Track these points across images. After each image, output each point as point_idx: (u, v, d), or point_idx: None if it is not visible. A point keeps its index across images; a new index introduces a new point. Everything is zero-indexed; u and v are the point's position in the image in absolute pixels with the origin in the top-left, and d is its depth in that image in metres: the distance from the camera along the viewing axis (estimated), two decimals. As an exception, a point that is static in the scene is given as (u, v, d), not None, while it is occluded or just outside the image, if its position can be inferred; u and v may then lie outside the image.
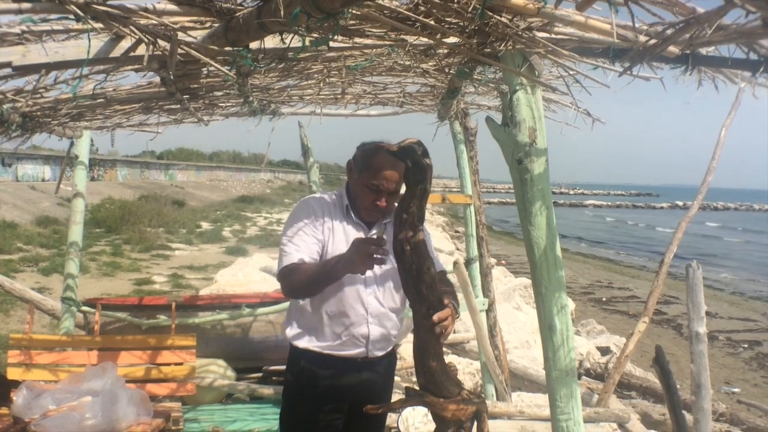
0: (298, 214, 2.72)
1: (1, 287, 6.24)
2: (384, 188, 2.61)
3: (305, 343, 2.73)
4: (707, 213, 76.91)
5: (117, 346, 4.77)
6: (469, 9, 1.65)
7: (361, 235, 2.68)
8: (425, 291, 2.03)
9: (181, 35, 1.77)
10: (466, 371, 6.86)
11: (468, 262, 5.55)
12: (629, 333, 6.20)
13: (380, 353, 2.77)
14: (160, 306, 6.11)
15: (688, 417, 5.09)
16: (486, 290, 5.63)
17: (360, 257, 2.28)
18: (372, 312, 2.69)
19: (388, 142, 2.63)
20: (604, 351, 9.43)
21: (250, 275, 10.51)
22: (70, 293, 5.28)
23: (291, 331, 2.80)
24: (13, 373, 4.48)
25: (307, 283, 2.56)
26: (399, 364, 6.95)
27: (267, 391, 5.52)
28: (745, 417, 7.63)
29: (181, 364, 4.73)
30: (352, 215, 2.74)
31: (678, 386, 5.12)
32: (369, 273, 2.62)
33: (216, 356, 5.93)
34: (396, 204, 2.57)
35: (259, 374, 5.94)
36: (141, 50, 1.81)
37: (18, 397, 3.75)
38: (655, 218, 60.96)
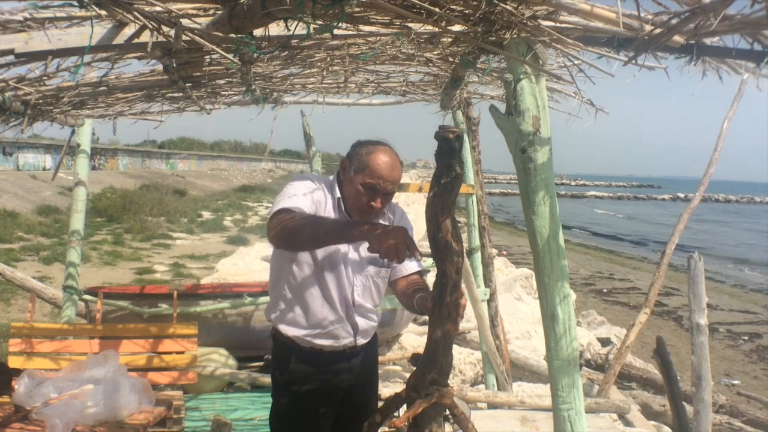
0: (298, 186, 2.54)
1: (2, 276, 6.25)
2: (381, 188, 2.49)
3: (293, 331, 2.65)
4: (709, 205, 76.44)
5: (119, 334, 4.77)
6: (475, -4, 1.64)
7: None
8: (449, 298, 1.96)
9: (185, 22, 1.76)
10: (467, 361, 6.88)
11: (470, 253, 5.55)
12: (630, 324, 6.20)
13: (365, 341, 2.79)
14: (162, 295, 6.14)
15: (689, 408, 5.11)
16: (487, 280, 5.63)
17: (393, 248, 2.00)
18: (357, 305, 2.69)
19: (385, 142, 2.61)
20: (605, 342, 9.46)
21: (251, 264, 10.54)
22: (71, 282, 5.28)
23: (276, 316, 2.72)
24: (14, 362, 4.48)
25: (308, 228, 2.28)
26: (400, 353, 6.98)
27: (268, 379, 5.53)
28: (745, 409, 7.65)
29: (182, 352, 4.74)
30: (343, 209, 2.62)
31: (678, 378, 5.14)
32: (350, 274, 2.63)
33: (217, 345, 5.96)
34: (386, 206, 2.55)
35: (261, 363, 5.96)
36: (144, 37, 1.81)
37: (19, 386, 3.74)
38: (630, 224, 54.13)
